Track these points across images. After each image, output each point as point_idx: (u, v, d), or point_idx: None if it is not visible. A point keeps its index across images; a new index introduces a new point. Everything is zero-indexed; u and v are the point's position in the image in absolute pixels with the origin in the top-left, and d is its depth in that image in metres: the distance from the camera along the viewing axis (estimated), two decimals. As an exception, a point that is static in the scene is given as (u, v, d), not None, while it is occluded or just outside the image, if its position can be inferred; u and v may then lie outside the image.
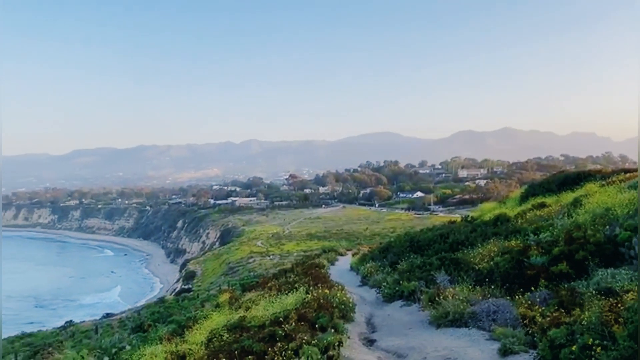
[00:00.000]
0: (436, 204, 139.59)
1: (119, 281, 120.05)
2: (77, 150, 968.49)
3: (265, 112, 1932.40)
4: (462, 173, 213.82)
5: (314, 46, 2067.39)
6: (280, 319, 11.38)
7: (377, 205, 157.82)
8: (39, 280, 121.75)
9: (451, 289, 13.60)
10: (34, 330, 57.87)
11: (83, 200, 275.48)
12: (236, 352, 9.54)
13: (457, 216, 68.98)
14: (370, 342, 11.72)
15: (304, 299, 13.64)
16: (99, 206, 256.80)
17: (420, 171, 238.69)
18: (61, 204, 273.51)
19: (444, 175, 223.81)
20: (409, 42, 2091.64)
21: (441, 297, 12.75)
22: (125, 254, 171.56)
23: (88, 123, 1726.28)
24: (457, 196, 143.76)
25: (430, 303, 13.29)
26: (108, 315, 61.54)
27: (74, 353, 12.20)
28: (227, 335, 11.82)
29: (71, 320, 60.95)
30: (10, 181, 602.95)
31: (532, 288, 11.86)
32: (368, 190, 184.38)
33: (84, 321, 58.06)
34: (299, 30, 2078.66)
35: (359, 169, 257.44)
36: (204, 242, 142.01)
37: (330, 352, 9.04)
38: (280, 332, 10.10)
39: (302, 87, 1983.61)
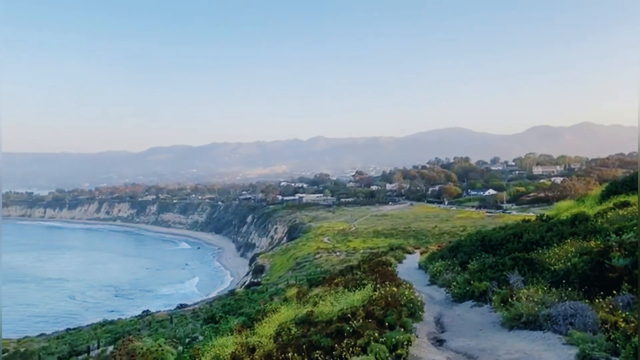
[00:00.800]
0: (509, 202, 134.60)
1: (194, 273, 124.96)
2: (154, 147, 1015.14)
3: (331, 109, 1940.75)
4: (537, 170, 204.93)
5: (382, 42, 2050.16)
6: (348, 315, 11.38)
7: (446, 202, 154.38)
8: (119, 271, 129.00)
9: (525, 290, 13.06)
10: (114, 318, 61.36)
11: (159, 195, 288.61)
12: (304, 346, 9.64)
13: (531, 215, 66.17)
14: (439, 342, 11.49)
15: (371, 296, 13.57)
16: (174, 201, 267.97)
17: (492, 168, 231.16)
18: (139, 199, 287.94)
19: (517, 172, 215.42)
20: (481, 31, 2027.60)
21: (514, 298, 12.28)
22: (199, 247, 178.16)
23: (164, 122, 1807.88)
24: (531, 194, 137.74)
25: (502, 304, 12.83)
26: (182, 306, 64.06)
27: (152, 341, 12.75)
28: (295, 330, 11.97)
29: (148, 310, 64.05)
30: (93, 177, 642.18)
31: (614, 291, 11.17)
32: (437, 188, 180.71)
33: (159, 311, 60.83)
34: (366, 26, 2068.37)
35: (428, 165, 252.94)
36: (272, 237, 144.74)
37: (399, 351, 8.94)
38: (347, 328, 10.11)
39: (369, 83, 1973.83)
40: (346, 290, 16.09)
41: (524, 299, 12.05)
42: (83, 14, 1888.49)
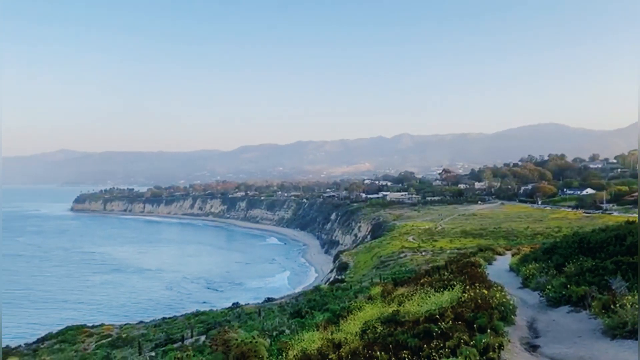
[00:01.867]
0: (609, 202, 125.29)
1: (283, 267, 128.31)
2: (243, 146, 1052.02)
3: (417, 106, 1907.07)
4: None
5: (465, 33, 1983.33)
6: (436, 316, 11.16)
7: (539, 202, 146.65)
8: (211, 264, 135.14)
9: (629, 297, 12.13)
10: (206, 309, 64.28)
11: (248, 192, 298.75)
12: (391, 345, 9.58)
13: (634, 216, 61.16)
14: (532, 348, 10.95)
15: (460, 297, 13.22)
16: (262, 198, 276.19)
17: (591, 166, 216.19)
18: (230, 195, 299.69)
19: (619, 170, 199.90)
20: (571, 17, 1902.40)
21: (617, 305, 11.44)
22: (285, 243, 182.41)
23: (253, 121, 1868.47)
24: (635, 194, 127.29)
25: (603, 311, 12.00)
26: (269, 299, 65.76)
27: (246, 333, 13.26)
28: (381, 328, 11.92)
29: (237, 302, 66.37)
30: (188, 175, 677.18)
31: None
32: (530, 186, 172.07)
33: (248, 304, 62.88)
34: (452, 24, 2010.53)
35: (520, 163, 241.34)
36: (355, 235, 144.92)
37: (490, 354, 8.64)
38: (435, 329, 9.92)
39: (456, 78, 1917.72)
40: (433, 290, 15.77)
41: (629, 306, 11.19)
42: (167, 20, 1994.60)
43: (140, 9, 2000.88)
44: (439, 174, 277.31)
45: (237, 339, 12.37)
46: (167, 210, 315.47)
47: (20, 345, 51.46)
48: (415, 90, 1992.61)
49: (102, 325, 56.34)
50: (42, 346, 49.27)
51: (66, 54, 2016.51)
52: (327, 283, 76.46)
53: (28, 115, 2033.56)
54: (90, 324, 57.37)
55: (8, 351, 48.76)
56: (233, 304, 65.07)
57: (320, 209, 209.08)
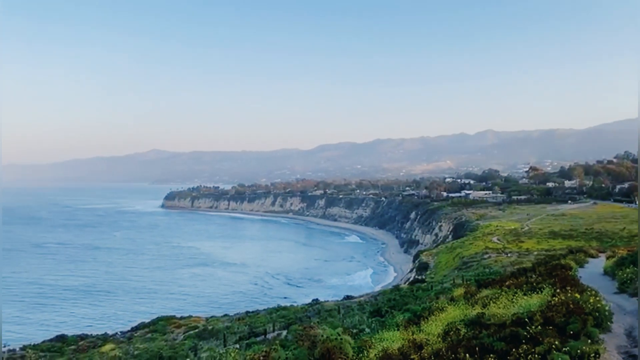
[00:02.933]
0: None
1: (360, 266, 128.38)
2: (322, 145, 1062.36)
3: (502, 101, 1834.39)
4: None
5: (555, 31, 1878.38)
6: (524, 319, 10.68)
7: (637, 202, 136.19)
8: (291, 260, 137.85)
9: None
10: (287, 304, 65.59)
11: (327, 190, 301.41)
12: (476, 348, 9.30)
13: None
14: (632, 358, 10.20)
15: (550, 301, 12.57)
16: (340, 196, 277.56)
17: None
18: (309, 193, 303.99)
19: None
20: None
21: None
22: (363, 242, 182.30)
23: (331, 120, 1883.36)
24: None
25: None
26: (348, 297, 65.97)
27: (331, 330, 13.41)
28: (465, 330, 11.60)
29: (317, 299, 67.17)
30: (269, 173, 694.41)
31: None
32: (626, 185, 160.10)
33: (327, 300, 63.47)
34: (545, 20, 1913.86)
35: (615, 160, 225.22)
36: (436, 235, 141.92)
37: (584, 363, 8.15)
38: (524, 333, 9.50)
39: (543, 69, 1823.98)
40: (520, 293, 15.11)
41: None
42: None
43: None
44: (526, 171, 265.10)
45: (322, 335, 12.52)
46: (249, 207, 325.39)
47: (116, 333, 55.22)
48: (499, 86, 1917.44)
49: (189, 317, 59.16)
50: (135, 335, 52.52)
51: (163, 56, 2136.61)
52: (407, 283, 75.52)
53: (123, 117, 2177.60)
54: (179, 315, 60.39)
55: (106, 338, 52.50)
56: (313, 300, 65.88)
57: (400, 207, 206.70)
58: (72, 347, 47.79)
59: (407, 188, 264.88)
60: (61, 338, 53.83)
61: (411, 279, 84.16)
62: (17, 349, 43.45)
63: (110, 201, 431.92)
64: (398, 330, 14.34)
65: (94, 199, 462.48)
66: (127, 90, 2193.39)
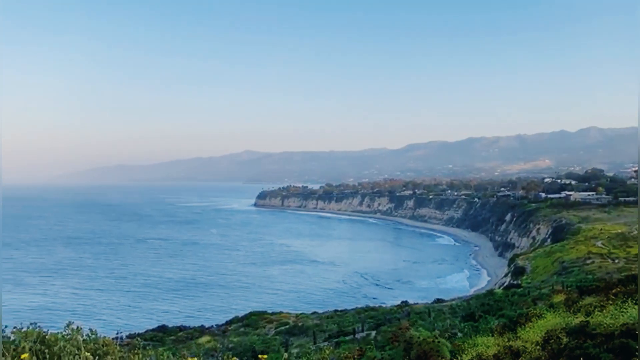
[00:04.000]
0: None
1: (451, 269, 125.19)
2: (411, 144, 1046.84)
3: (607, 96, 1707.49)
4: None
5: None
6: (635, 331, 9.86)
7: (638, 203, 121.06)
8: (379, 261, 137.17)
9: None
10: (375, 305, 65.44)
11: (416, 190, 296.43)
12: (580, 358, 8.74)
13: None
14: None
15: (665, 312, 11.49)
16: (430, 196, 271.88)
17: None
18: (397, 194, 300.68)
19: None
20: None
21: None
22: (455, 244, 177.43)
23: (421, 119, 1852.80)
24: None
25: None
26: (439, 300, 64.61)
27: (427, 332, 13.24)
28: (567, 339, 10.92)
29: (406, 301, 66.41)
30: (357, 173, 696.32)
31: None
32: None
33: (417, 303, 62.57)
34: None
35: None
36: (533, 238, 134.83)
37: None
38: (635, 345, 8.78)
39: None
40: (630, 302, 13.97)
41: None
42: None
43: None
44: (635, 171, 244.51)
45: (418, 337, 12.37)
46: (337, 207, 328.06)
47: (212, 326, 58.04)
48: (604, 79, 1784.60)
49: (280, 312, 60.81)
50: (229, 328, 54.91)
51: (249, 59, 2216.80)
52: (502, 287, 72.56)
53: (219, 120, 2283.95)
54: (270, 311, 62.22)
55: (203, 330, 55.34)
56: (402, 302, 65.25)
57: (494, 209, 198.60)
58: (172, 337, 50.93)
59: (502, 189, 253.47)
60: (162, 328, 57.54)
61: (506, 283, 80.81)
62: (124, 337, 46.99)
63: (207, 199, 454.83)
64: (492, 336, 13.84)
65: (193, 197, 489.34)
66: (222, 94, 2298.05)
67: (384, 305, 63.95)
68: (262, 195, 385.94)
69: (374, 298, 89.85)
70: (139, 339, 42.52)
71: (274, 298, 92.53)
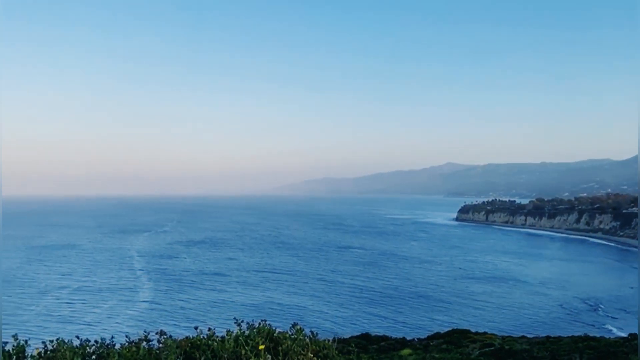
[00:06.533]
0: None
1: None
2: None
3: None
4: None
5: None
6: None
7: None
8: (600, 285, 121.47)
9: None
10: (596, 335, 58.04)
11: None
12: None
13: None
14: None
15: None
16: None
17: None
18: (624, 210, 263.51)
19: None
20: None
21: None
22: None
23: None
24: None
25: None
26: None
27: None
28: None
29: (635, 334, 57.74)
30: (573, 186, 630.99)
31: None
32: None
33: (649, 338, 53.83)
34: None
35: None
36: None
37: None
38: None
39: None
40: None
41: None
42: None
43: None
44: None
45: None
46: (549, 223, 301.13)
47: (413, 339, 57.97)
48: None
49: (485, 333, 58.03)
50: (431, 343, 54.17)
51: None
52: None
53: (418, 131, 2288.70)
54: (473, 330, 59.91)
55: (404, 342, 55.60)
56: (629, 334, 57.06)
57: None
58: (374, 346, 52.19)
59: None
60: (366, 336, 59.44)
61: None
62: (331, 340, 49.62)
63: (407, 212, 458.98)
64: None
65: (393, 210, 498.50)
66: (422, 106, 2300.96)
67: (608, 337, 56.53)
68: (464, 209, 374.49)
69: (591, 325, 80.00)
70: (353, 344, 44.52)
71: (476, 317, 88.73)
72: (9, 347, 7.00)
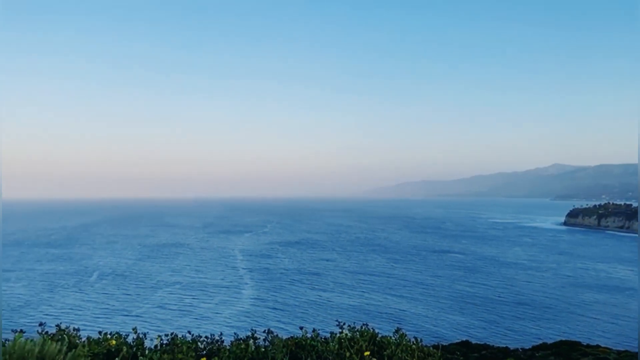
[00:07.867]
0: None
1: None
2: None
3: None
4: None
5: None
6: None
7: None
8: None
9: None
10: None
11: None
12: None
13: None
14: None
15: None
16: None
17: None
18: None
19: None
20: None
21: None
22: None
23: None
24: None
25: None
26: None
27: None
28: None
29: None
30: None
31: None
32: None
33: None
34: None
35: None
36: None
37: None
38: None
39: None
40: None
41: None
42: None
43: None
44: None
45: None
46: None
47: (517, 349, 55.80)
48: None
49: (597, 346, 54.63)
50: (537, 354, 51.87)
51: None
52: None
53: (521, 132, 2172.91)
54: (584, 342, 56.60)
55: (507, 352, 53.69)
56: None
57: None
58: (475, 354, 50.93)
59: None
60: (466, 343, 58.16)
61: None
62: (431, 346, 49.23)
63: (509, 215, 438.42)
64: None
65: (494, 213, 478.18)
66: (526, 102, 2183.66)
67: None
68: (573, 213, 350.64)
69: None
70: (458, 353, 44.04)
71: (588, 328, 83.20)
72: (129, 340, 7.83)
